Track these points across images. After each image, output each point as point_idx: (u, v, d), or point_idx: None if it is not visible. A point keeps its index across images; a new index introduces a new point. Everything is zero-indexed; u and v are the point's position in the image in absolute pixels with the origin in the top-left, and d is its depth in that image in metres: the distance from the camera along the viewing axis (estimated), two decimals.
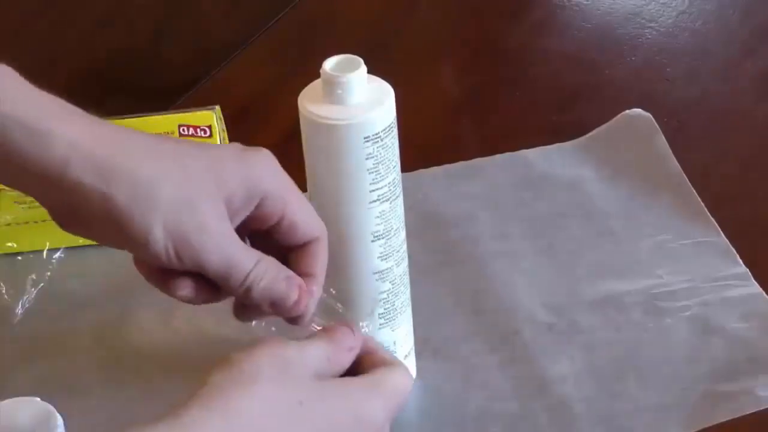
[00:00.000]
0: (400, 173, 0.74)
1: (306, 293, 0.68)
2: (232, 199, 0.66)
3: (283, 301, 0.68)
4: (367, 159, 0.71)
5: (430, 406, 0.79)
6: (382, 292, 0.75)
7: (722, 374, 0.79)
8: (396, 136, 0.73)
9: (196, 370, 0.80)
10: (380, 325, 0.76)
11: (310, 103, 0.71)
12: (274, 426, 0.62)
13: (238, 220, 0.67)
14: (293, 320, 0.69)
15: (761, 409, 0.76)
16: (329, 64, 0.70)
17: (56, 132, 0.64)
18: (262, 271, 0.67)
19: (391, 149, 0.72)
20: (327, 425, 0.64)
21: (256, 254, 0.68)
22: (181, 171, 0.65)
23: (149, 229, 0.64)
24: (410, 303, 0.78)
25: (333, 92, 0.70)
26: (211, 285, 0.68)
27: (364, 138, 0.71)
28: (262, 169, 0.67)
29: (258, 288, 0.67)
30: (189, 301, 0.68)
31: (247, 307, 0.69)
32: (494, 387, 0.80)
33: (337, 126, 0.70)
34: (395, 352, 0.77)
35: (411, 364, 0.79)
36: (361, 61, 0.70)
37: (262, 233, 0.69)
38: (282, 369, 0.64)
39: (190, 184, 0.65)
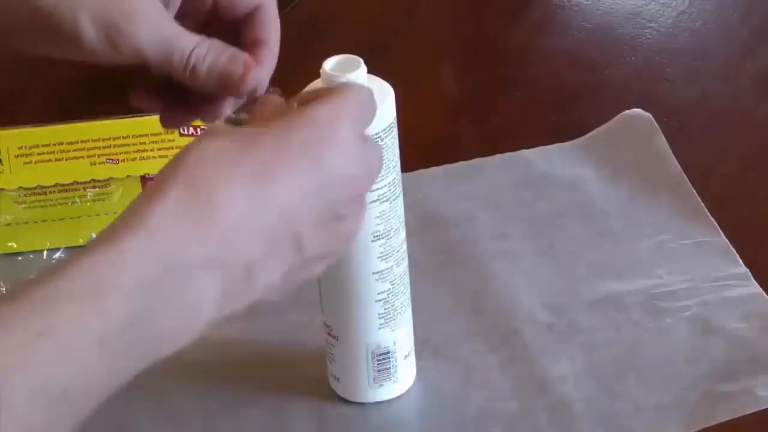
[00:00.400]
0: (400, 173, 0.74)
1: (252, 65, 0.66)
2: None
3: (230, 76, 0.66)
4: None
5: (430, 406, 0.79)
6: (382, 293, 0.75)
7: (722, 374, 0.79)
8: (396, 136, 0.73)
9: (195, 369, 0.81)
10: (380, 325, 0.76)
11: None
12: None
13: (175, 8, 0.67)
14: (248, 97, 0.67)
15: (761, 409, 0.76)
16: (329, 64, 0.70)
17: None
18: (204, 49, 0.66)
19: (391, 149, 0.72)
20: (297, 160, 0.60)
21: (196, 36, 0.66)
22: None
23: (77, 22, 0.64)
24: (410, 303, 0.78)
25: None
26: (176, 98, 0.67)
27: None
28: None
29: (203, 67, 0.65)
30: (147, 109, 0.68)
31: (172, 112, 0.68)
32: (494, 387, 0.80)
33: None
34: (395, 352, 0.77)
35: (411, 364, 0.79)
36: (361, 61, 0.70)
37: (208, 22, 0.69)
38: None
39: None
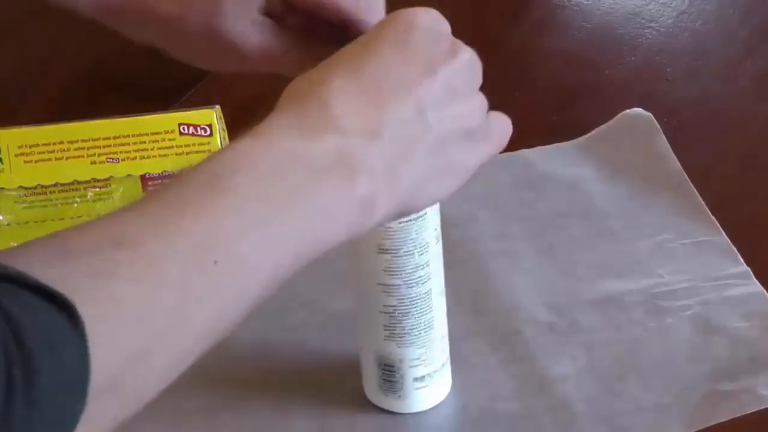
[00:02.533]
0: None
1: None
2: None
3: None
4: None
5: (431, 407, 0.79)
6: (388, 306, 0.75)
7: (723, 373, 0.79)
8: None
9: (198, 370, 0.80)
10: (385, 336, 0.76)
11: None
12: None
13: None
14: None
15: (762, 408, 0.76)
16: None
17: None
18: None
19: None
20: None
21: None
22: None
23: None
24: (436, 330, 0.76)
25: None
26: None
27: None
28: None
29: None
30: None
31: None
32: (495, 387, 0.80)
33: None
34: (401, 369, 0.77)
35: (424, 388, 0.78)
36: None
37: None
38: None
39: None
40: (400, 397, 0.78)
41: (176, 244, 0.52)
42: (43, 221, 0.93)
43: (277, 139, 0.56)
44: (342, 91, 0.58)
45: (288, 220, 0.55)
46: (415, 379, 0.77)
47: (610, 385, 0.79)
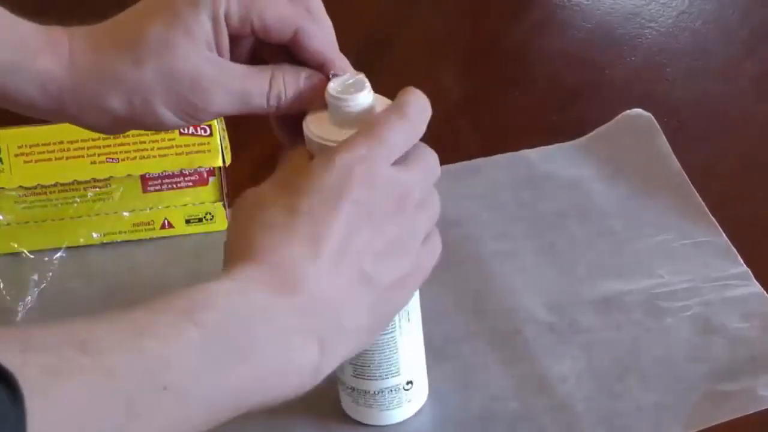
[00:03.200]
0: None
1: (310, 72, 0.69)
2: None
3: (314, 95, 0.69)
4: None
5: (431, 406, 0.79)
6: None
7: (723, 374, 0.79)
8: None
9: None
10: (353, 370, 0.76)
11: (316, 126, 0.68)
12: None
13: (228, 51, 0.69)
14: None
15: (762, 408, 0.76)
16: (334, 85, 0.68)
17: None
18: (280, 84, 0.69)
19: None
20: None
21: (264, 71, 0.69)
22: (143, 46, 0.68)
23: (157, 116, 0.68)
24: (402, 362, 0.76)
25: (339, 114, 0.68)
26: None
27: None
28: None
29: (286, 101, 0.69)
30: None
31: (283, 124, 0.71)
32: (495, 387, 0.79)
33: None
34: (367, 393, 0.77)
35: (400, 410, 0.77)
36: (366, 81, 0.68)
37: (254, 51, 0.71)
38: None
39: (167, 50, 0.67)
40: (372, 413, 0.78)
41: (135, 364, 0.55)
42: (43, 221, 0.93)
43: (250, 289, 0.60)
44: (303, 258, 0.61)
45: (242, 372, 0.58)
46: (387, 398, 0.77)
47: (610, 385, 0.79)
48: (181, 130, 0.91)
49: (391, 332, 0.74)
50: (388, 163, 0.65)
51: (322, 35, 0.70)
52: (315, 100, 0.69)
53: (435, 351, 0.82)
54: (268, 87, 0.68)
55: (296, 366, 0.60)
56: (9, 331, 0.54)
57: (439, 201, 0.68)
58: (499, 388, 0.79)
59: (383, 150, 0.65)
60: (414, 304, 0.75)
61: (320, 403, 0.78)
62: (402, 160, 0.66)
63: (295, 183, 0.64)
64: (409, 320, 0.75)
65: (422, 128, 0.67)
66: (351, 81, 0.68)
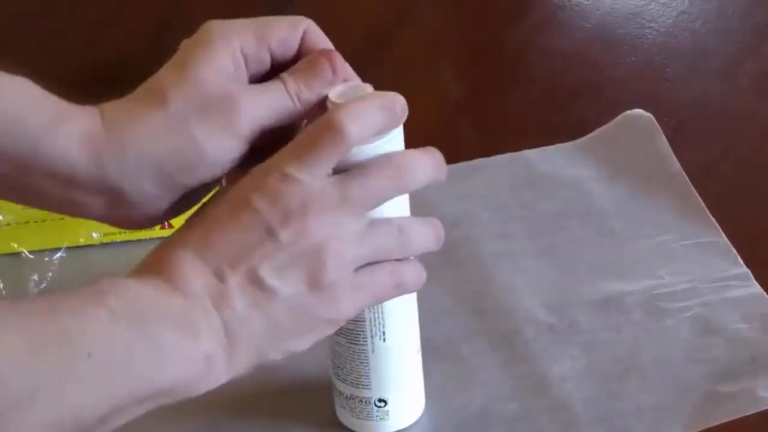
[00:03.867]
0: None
1: (332, 54, 0.69)
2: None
3: (325, 80, 0.68)
4: None
5: (430, 407, 0.79)
6: (338, 335, 0.74)
7: (723, 375, 0.79)
8: None
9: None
10: (331, 359, 0.76)
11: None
12: None
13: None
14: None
15: (762, 409, 0.76)
16: (334, 93, 0.68)
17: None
18: (293, 83, 0.68)
19: None
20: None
21: (274, 81, 0.69)
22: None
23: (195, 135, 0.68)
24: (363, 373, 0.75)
25: None
26: None
27: None
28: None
29: (306, 96, 0.68)
30: None
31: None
32: (495, 387, 0.80)
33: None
34: (340, 392, 0.76)
35: (392, 420, 0.77)
36: (365, 88, 0.68)
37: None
38: None
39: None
40: (345, 416, 0.77)
41: (58, 328, 0.59)
42: (43, 221, 0.93)
43: (147, 288, 0.63)
44: (189, 262, 0.63)
45: (142, 351, 0.61)
46: (358, 407, 0.77)
47: (610, 385, 0.79)
48: None
49: (363, 344, 0.74)
50: (312, 171, 0.64)
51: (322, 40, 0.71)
52: (325, 72, 0.68)
53: (434, 351, 0.82)
54: (284, 90, 0.68)
55: (190, 352, 0.62)
56: None
57: (427, 237, 0.69)
58: (499, 388, 0.79)
59: (300, 160, 0.64)
60: (394, 327, 0.74)
61: (317, 409, 0.79)
62: (353, 170, 0.65)
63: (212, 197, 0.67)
64: (384, 340, 0.74)
65: (348, 140, 0.65)
66: (353, 89, 0.68)
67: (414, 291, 0.71)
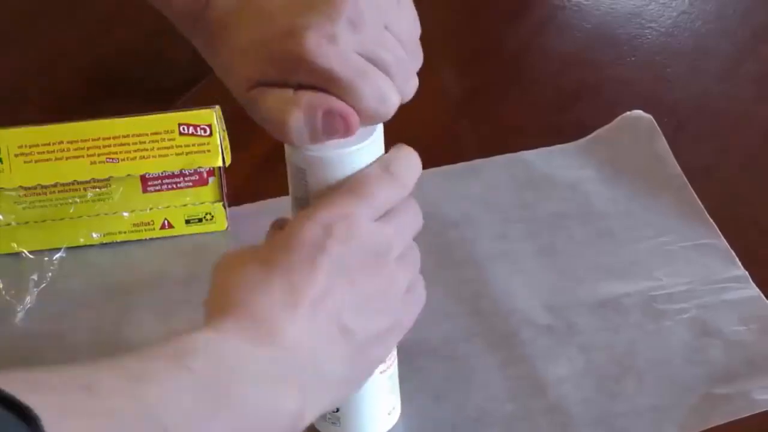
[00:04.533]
0: None
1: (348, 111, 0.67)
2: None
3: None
4: None
5: (428, 407, 0.79)
6: None
7: (720, 377, 0.79)
8: None
9: None
10: None
11: None
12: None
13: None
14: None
15: (758, 412, 0.76)
16: None
17: None
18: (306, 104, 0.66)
19: None
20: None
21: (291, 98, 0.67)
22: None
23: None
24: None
25: None
26: None
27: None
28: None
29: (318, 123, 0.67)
30: None
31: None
32: (493, 388, 0.80)
33: (325, 158, 0.67)
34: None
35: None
36: None
37: None
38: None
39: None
40: (321, 423, 0.76)
41: (137, 406, 0.56)
42: (43, 221, 0.93)
43: (231, 338, 0.61)
44: (280, 309, 0.63)
45: (228, 417, 0.59)
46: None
47: (607, 387, 0.79)
48: (181, 131, 0.91)
49: None
50: (370, 220, 0.66)
51: None
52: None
53: (432, 352, 0.82)
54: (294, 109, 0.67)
55: (277, 412, 0.61)
56: (12, 374, 0.54)
57: (419, 252, 0.70)
58: (496, 389, 0.79)
59: (366, 209, 0.65)
60: None
61: None
62: (388, 214, 0.67)
63: (273, 241, 0.66)
64: None
65: (409, 187, 0.68)
66: None
67: None
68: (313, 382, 0.63)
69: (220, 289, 0.64)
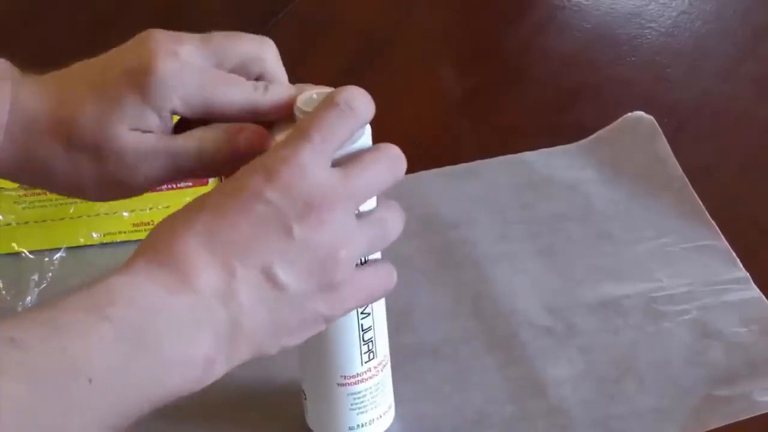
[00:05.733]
0: None
1: (250, 132, 0.68)
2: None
3: (250, 150, 0.68)
4: None
5: (428, 408, 0.79)
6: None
7: (720, 379, 0.79)
8: None
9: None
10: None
11: (281, 136, 0.68)
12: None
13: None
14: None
15: (759, 414, 0.76)
16: (302, 99, 0.67)
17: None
18: (208, 141, 0.69)
19: None
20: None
21: (193, 133, 0.69)
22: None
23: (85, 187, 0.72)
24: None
25: None
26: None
27: None
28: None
29: (219, 157, 0.69)
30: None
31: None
32: (492, 389, 0.80)
33: None
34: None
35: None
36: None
37: None
38: None
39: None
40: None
41: (62, 359, 0.58)
42: (43, 221, 0.93)
43: (144, 284, 0.61)
44: (197, 254, 0.61)
45: (147, 362, 0.60)
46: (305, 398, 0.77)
47: (607, 388, 0.79)
48: None
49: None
50: (321, 165, 0.63)
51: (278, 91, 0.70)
52: (250, 151, 0.67)
53: (432, 352, 0.82)
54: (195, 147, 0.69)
55: (189, 359, 0.61)
56: None
57: (399, 221, 0.66)
58: (496, 390, 0.79)
59: (316, 153, 0.62)
60: (330, 356, 0.73)
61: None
62: (349, 162, 0.64)
63: (219, 186, 0.65)
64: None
65: (362, 116, 0.64)
66: (319, 95, 0.67)
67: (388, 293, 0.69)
68: (229, 330, 0.61)
69: (152, 231, 0.64)
